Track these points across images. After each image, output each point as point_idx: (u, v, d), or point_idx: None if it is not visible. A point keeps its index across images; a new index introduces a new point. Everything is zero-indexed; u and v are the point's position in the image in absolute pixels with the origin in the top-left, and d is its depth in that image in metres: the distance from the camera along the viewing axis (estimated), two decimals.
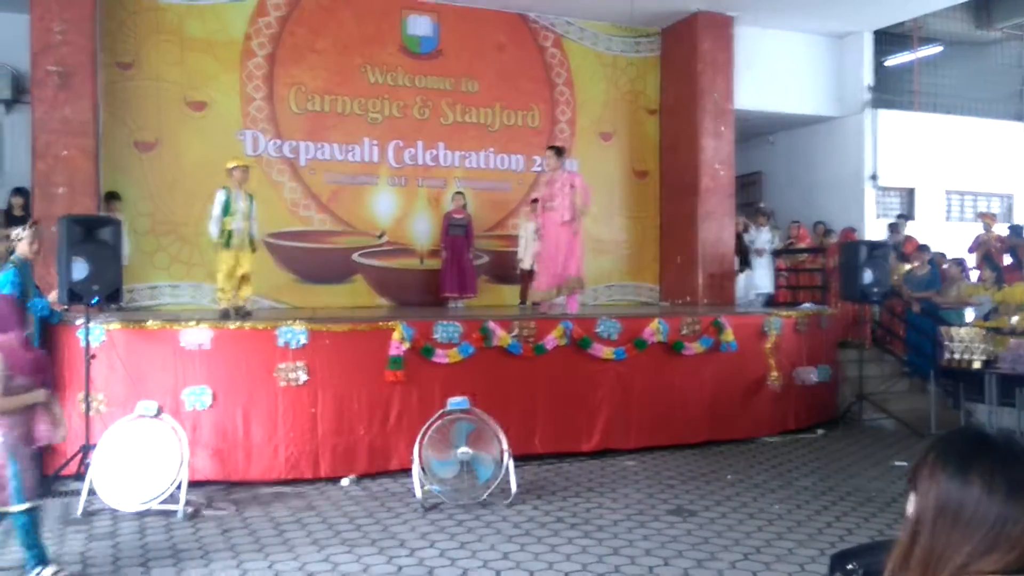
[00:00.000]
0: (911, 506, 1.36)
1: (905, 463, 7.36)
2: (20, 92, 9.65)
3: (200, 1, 9.56)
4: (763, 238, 11.36)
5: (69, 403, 6.33)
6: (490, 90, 10.75)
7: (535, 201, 9.87)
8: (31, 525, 4.34)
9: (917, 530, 1.33)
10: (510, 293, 10.43)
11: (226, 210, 7.51)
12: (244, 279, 7.67)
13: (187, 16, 9.51)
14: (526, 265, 9.78)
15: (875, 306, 10.11)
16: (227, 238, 7.52)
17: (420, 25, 10.48)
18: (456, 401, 6.12)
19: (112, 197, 8.81)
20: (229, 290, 7.60)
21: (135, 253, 9.07)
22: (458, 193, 10.16)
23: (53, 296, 6.19)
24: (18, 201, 8.97)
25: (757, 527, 5.53)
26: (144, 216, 9.26)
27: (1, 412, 4.21)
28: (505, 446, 6.06)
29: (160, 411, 5.84)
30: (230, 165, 7.72)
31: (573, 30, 11.25)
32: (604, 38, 11.43)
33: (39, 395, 4.35)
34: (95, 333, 6.34)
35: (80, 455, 5.93)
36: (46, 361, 4.55)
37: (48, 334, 6.39)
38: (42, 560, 4.38)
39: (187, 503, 5.74)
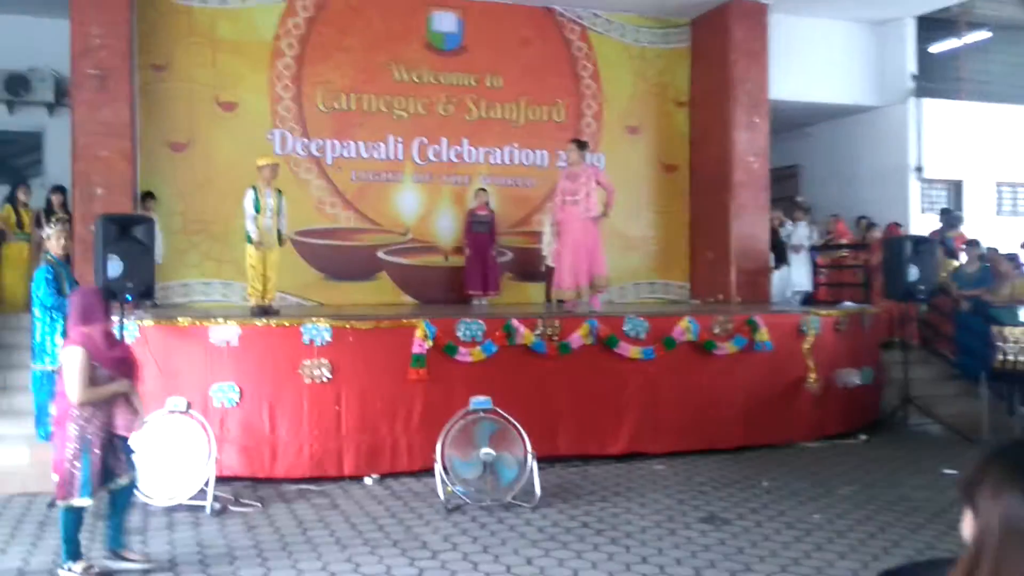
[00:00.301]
0: (969, 525, 1.27)
1: (955, 471, 7.12)
2: (62, 95, 9.94)
3: (231, 4, 9.70)
4: (800, 233, 11.11)
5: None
6: (515, 85, 10.74)
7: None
8: (76, 520, 4.45)
9: (979, 552, 1.23)
10: (535, 290, 10.41)
11: (256, 208, 7.61)
12: (271, 276, 7.76)
13: (218, 18, 9.68)
14: (551, 262, 9.69)
15: (921, 305, 9.79)
16: (258, 236, 7.62)
17: (445, 22, 10.51)
18: (479, 400, 6.09)
19: (147, 196, 9.02)
20: (260, 288, 7.70)
21: (169, 252, 9.20)
22: (481, 190, 10.18)
23: None
24: (57, 199, 9.25)
25: (795, 537, 5.38)
26: (177, 215, 9.44)
27: (85, 402, 4.31)
28: (529, 447, 6.04)
29: (189, 407, 5.97)
30: (260, 163, 7.89)
31: (600, 22, 11.16)
32: (631, 29, 11.32)
33: (122, 385, 4.45)
34: (130, 329, 6.46)
35: None
36: (129, 353, 4.63)
37: None
38: (75, 555, 4.49)
39: (215, 499, 5.85)
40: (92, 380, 4.34)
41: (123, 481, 4.56)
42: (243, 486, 6.46)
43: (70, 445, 4.33)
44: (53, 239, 6.37)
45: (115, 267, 6.18)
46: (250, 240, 7.71)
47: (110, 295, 6.27)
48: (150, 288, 6.62)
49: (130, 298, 6.34)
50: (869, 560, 4.96)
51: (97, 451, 4.35)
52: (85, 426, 4.33)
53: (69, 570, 4.46)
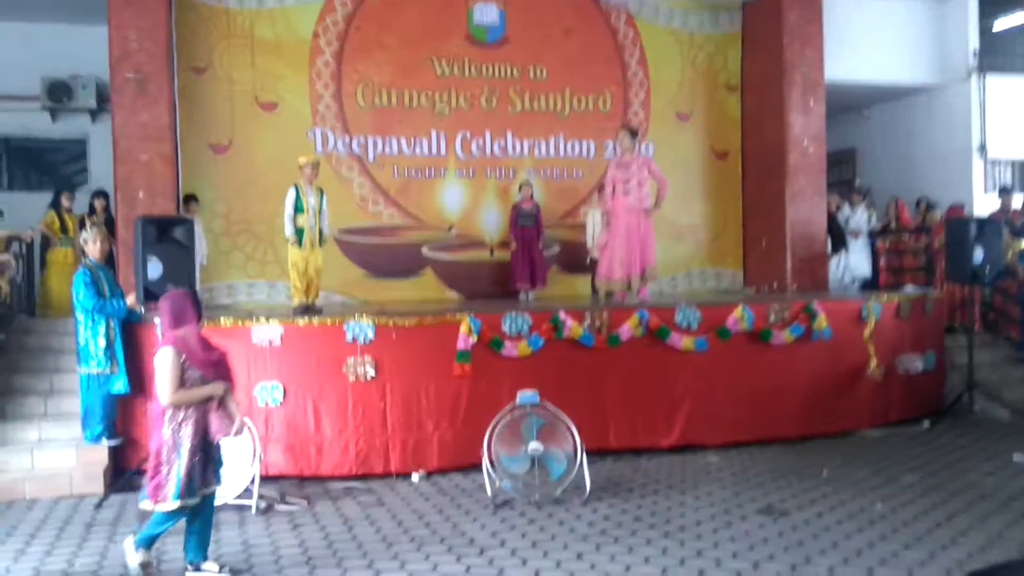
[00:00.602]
0: None
1: None
2: (104, 101, 10.12)
3: (269, 4, 9.75)
4: (859, 218, 10.85)
5: (152, 399, 6.52)
6: (559, 76, 10.63)
7: (602, 188, 9.66)
8: (166, 521, 4.39)
9: None
10: (582, 283, 10.30)
11: (297, 207, 7.64)
12: (314, 275, 7.78)
13: (257, 19, 9.72)
14: (597, 253, 9.58)
15: (985, 287, 9.45)
16: (299, 235, 7.66)
17: (486, 13, 10.43)
18: (526, 395, 5.99)
19: (190, 199, 9.08)
20: (302, 287, 7.74)
21: (213, 254, 9.29)
22: (525, 183, 10.07)
23: (132, 299, 6.37)
24: (100, 204, 9.42)
25: (857, 528, 5.23)
26: (220, 217, 9.51)
27: (174, 404, 4.29)
28: (578, 441, 5.92)
29: None
30: (301, 161, 7.93)
31: (646, 8, 11.01)
32: (679, 14, 11.15)
33: (215, 388, 4.38)
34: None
35: None
36: (223, 356, 4.54)
37: (130, 333, 6.65)
38: (147, 545, 4.45)
39: (260, 497, 5.86)
40: (183, 383, 4.30)
41: (207, 490, 4.48)
42: (289, 484, 6.46)
43: (164, 448, 4.30)
44: (90, 243, 6.47)
45: (155, 269, 6.21)
46: (288, 240, 7.74)
47: (149, 296, 6.33)
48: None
49: None
50: (936, 550, 4.78)
51: (188, 456, 4.29)
52: (177, 429, 4.30)
53: (136, 551, 4.42)
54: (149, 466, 4.38)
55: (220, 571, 4.57)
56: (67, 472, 6.36)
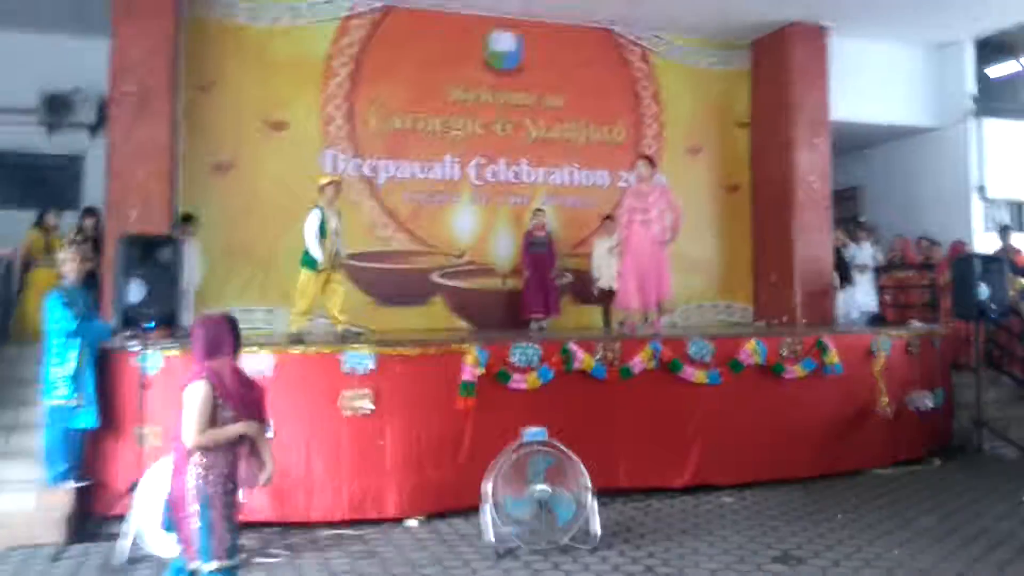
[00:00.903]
0: None
1: None
2: (104, 118, 9.35)
3: (283, 22, 9.13)
4: (865, 253, 10.31)
5: (125, 436, 5.71)
6: (574, 106, 10.07)
7: (608, 218, 9.19)
8: None
9: None
10: (594, 313, 9.58)
11: (322, 231, 6.98)
12: (339, 299, 7.15)
13: (269, 37, 9.07)
14: (604, 284, 8.96)
15: (990, 324, 8.87)
16: (320, 259, 6.98)
17: (503, 41, 9.86)
18: (532, 432, 5.28)
19: (188, 219, 8.33)
20: (307, 313, 7.02)
21: (210, 277, 8.57)
22: (539, 211, 9.44)
23: None
24: (89, 222, 8.60)
25: None
26: (220, 239, 8.73)
27: (202, 446, 3.49)
28: (588, 483, 5.20)
29: None
30: (323, 181, 7.26)
31: (661, 44, 10.53)
32: (692, 51, 10.67)
33: (248, 427, 3.57)
34: (152, 360, 5.73)
35: (130, 494, 5.22)
36: (261, 393, 3.75)
37: (102, 363, 5.75)
38: None
39: None
40: (214, 421, 3.50)
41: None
42: (273, 532, 5.59)
43: (188, 497, 3.50)
44: (68, 263, 5.65)
45: (136, 292, 5.50)
46: (314, 266, 7.00)
47: (129, 322, 5.60)
48: (174, 314, 5.78)
49: (152, 325, 5.66)
50: None
51: (219, 508, 3.49)
52: (205, 475, 3.49)
53: None
54: (173, 518, 3.56)
55: None
56: (25, 518, 5.33)
